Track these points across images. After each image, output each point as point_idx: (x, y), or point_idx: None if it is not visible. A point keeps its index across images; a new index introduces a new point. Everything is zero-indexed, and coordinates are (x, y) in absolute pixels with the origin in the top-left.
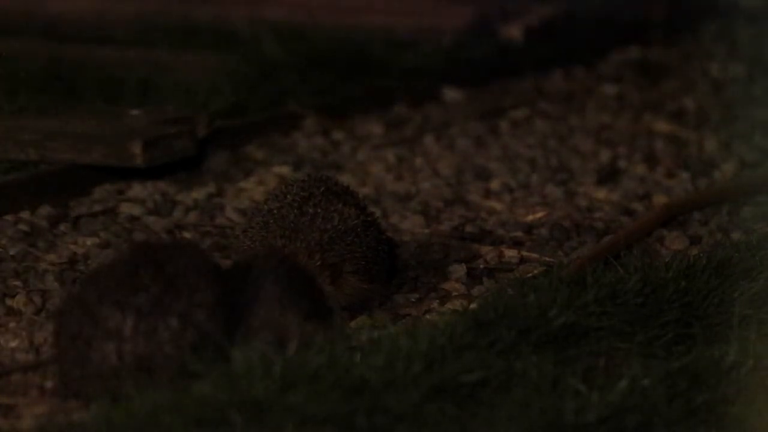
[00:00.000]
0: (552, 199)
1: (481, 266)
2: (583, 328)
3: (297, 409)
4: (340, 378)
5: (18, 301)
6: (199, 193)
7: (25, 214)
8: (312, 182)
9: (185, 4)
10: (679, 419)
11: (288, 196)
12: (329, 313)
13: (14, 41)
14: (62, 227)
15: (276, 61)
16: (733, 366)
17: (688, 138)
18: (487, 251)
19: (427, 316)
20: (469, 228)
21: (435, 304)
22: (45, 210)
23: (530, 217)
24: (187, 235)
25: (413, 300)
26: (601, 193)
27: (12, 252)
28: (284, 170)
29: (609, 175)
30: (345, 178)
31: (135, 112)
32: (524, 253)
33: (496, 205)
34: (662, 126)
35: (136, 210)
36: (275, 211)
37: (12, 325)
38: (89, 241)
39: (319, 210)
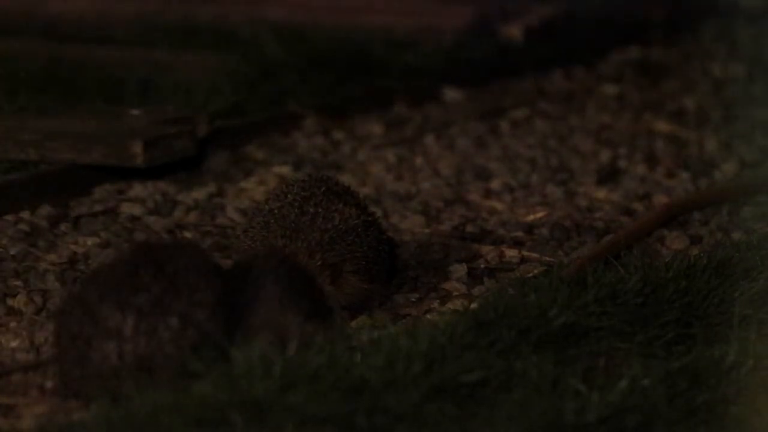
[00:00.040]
0: (552, 199)
1: (482, 266)
2: (583, 328)
3: (297, 409)
4: (340, 378)
5: (18, 301)
6: (199, 193)
7: (25, 214)
8: (312, 182)
9: (185, 4)
10: (679, 419)
11: (288, 196)
12: (329, 313)
13: (14, 41)
14: (62, 227)
15: (276, 61)
16: (733, 366)
17: (688, 138)
18: (488, 251)
19: (428, 316)
20: (469, 228)
21: (435, 304)
22: (45, 210)
23: (530, 217)
24: (187, 235)
25: (413, 300)
26: (601, 193)
27: (12, 252)
28: (284, 170)
29: (609, 175)
30: (345, 178)
31: (135, 112)
32: (525, 253)
33: (497, 205)
34: (662, 126)
35: (136, 210)
36: (276, 211)
37: (12, 324)
38: (89, 241)
39: (319, 210)
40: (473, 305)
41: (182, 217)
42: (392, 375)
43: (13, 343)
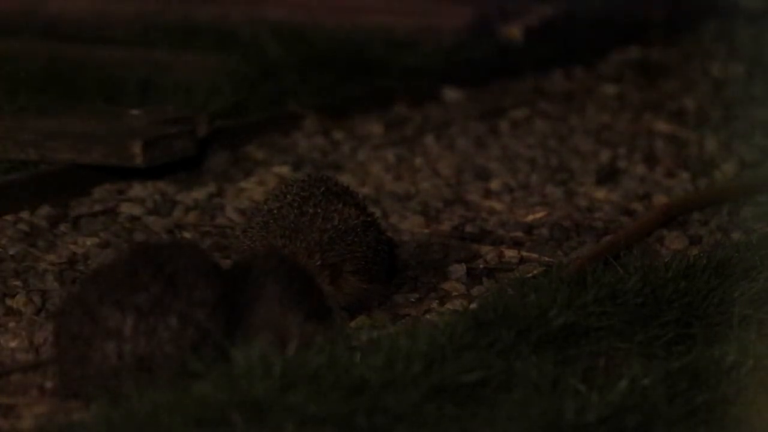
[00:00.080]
0: (552, 199)
1: (481, 266)
2: (583, 328)
3: (297, 409)
4: (340, 378)
5: (18, 301)
6: (199, 193)
7: (25, 214)
8: (312, 182)
9: (185, 4)
10: (679, 419)
11: (288, 196)
12: (329, 313)
13: (14, 41)
14: (62, 227)
15: (276, 61)
16: (733, 366)
17: (688, 138)
18: (487, 251)
19: (427, 316)
20: (469, 228)
21: (435, 304)
22: (45, 210)
23: (530, 217)
24: (187, 235)
25: (413, 300)
26: (601, 193)
27: (12, 252)
28: (284, 170)
29: (609, 175)
30: (345, 178)
31: (135, 112)
32: (524, 253)
33: (496, 205)
34: (662, 126)
35: (136, 210)
36: (275, 211)
37: (12, 325)
38: (89, 241)
39: (319, 210)
40: (472, 305)
41: (182, 217)
42: (392, 375)
43: (13, 343)
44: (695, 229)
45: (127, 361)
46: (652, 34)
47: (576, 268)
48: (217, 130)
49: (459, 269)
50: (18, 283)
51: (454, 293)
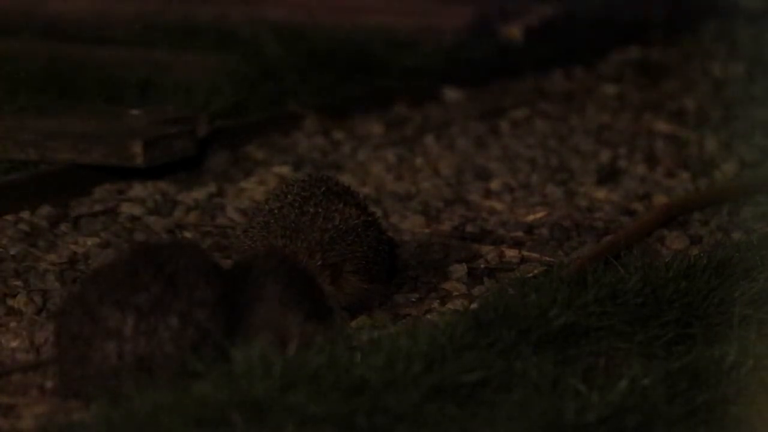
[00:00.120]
0: (552, 199)
1: (482, 266)
2: (583, 328)
3: (297, 409)
4: (340, 378)
5: (18, 301)
6: (199, 193)
7: (25, 214)
8: (312, 182)
9: (185, 4)
10: (679, 419)
11: (288, 196)
12: (329, 313)
13: (14, 41)
14: (62, 227)
15: (276, 61)
16: (733, 366)
17: (688, 138)
18: (488, 251)
19: (428, 316)
20: (469, 228)
21: (435, 304)
22: (45, 210)
23: (530, 217)
24: (187, 235)
25: (413, 300)
26: (601, 193)
27: (12, 252)
28: (284, 170)
29: (609, 175)
30: (345, 178)
31: (135, 112)
32: (525, 253)
33: (497, 205)
34: (662, 126)
35: (136, 210)
36: (276, 211)
37: (12, 325)
38: (89, 241)
39: (319, 210)
40: (473, 305)
41: (182, 217)
42: (392, 375)
43: (13, 343)
44: (695, 229)
45: (127, 361)
46: (652, 34)
47: (576, 268)
48: (217, 130)
49: (460, 269)
50: (19, 283)
51: (455, 293)
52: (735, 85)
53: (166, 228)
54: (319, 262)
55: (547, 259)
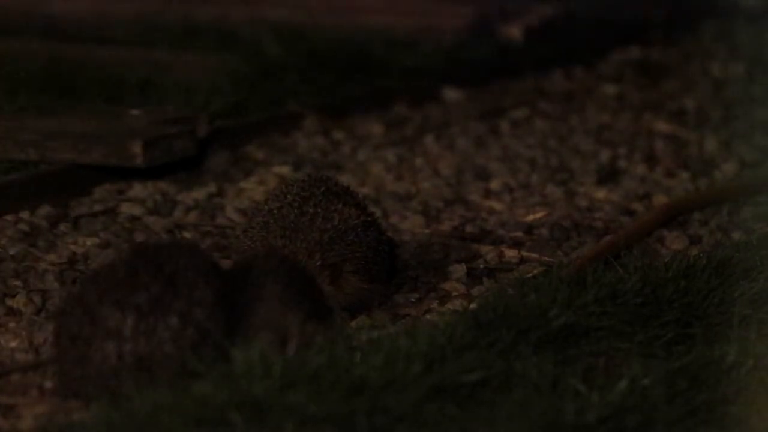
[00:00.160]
0: (552, 199)
1: (481, 266)
2: (583, 328)
3: (297, 409)
4: (340, 378)
5: (18, 301)
6: (199, 193)
7: (25, 214)
8: (312, 182)
9: (185, 4)
10: (679, 419)
11: (288, 196)
12: (329, 313)
13: (14, 41)
14: (62, 227)
15: (276, 61)
16: (733, 366)
17: (688, 138)
18: (487, 251)
19: (427, 316)
20: (469, 228)
21: (435, 304)
22: (45, 210)
23: (530, 217)
24: (187, 235)
25: (413, 300)
26: (601, 193)
27: (12, 252)
28: (284, 170)
29: (609, 175)
30: (345, 178)
31: (135, 112)
32: (524, 253)
33: (496, 205)
34: (662, 126)
35: (136, 210)
36: (275, 211)
37: (12, 325)
38: (89, 241)
39: (319, 210)
40: (473, 305)
41: (182, 217)
42: (392, 375)
43: (13, 343)
44: (695, 229)
45: (127, 361)
46: (652, 34)
47: (576, 268)
48: (217, 130)
49: (459, 269)
50: (18, 283)
51: (455, 293)
52: (735, 85)
53: (166, 228)
54: (319, 262)
55: (547, 259)
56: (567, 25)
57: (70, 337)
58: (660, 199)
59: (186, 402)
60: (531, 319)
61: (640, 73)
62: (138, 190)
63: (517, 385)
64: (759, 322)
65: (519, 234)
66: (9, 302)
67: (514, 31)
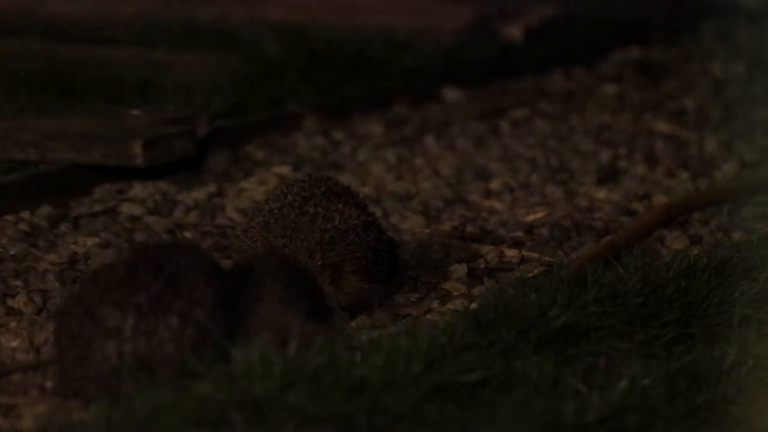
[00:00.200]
0: (552, 199)
1: (482, 266)
2: (583, 328)
3: (297, 409)
4: (340, 378)
5: (18, 301)
6: (199, 193)
7: (25, 214)
8: (312, 182)
9: (185, 4)
10: (679, 419)
11: (288, 196)
12: (329, 313)
13: (14, 41)
14: (62, 227)
15: (276, 61)
16: (733, 366)
17: (688, 138)
18: (488, 251)
19: (428, 316)
20: (469, 228)
21: (435, 304)
22: (45, 210)
23: (530, 217)
24: (187, 235)
25: (413, 300)
26: (601, 193)
27: (12, 252)
28: (284, 170)
29: (609, 175)
30: (345, 178)
31: (135, 112)
32: (525, 253)
33: (497, 205)
34: (662, 126)
35: (136, 210)
36: (276, 211)
37: (12, 325)
38: (89, 241)
39: (319, 210)
40: (473, 305)
41: (182, 217)
42: (392, 375)
43: (13, 343)
44: (695, 229)
45: (127, 361)
46: (652, 34)
47: (576, 268)
48: (217, 130)
49: (459, 269)
50: (18, 283)
51: (455, 293)
52: (735, 85)
53: (166, 228)
54: (319, 262)
55: (547, 259)
56: (567, 25)
57: (71, 337)
58: (660, 199)
59: (186, 402)
60: (531, 319)
61: (640, 73)
62: (138, 190)
63: (517, 385)
64: (759, 322)
65: (519, 234)
66: (9, 302)
67: (514, 31)
